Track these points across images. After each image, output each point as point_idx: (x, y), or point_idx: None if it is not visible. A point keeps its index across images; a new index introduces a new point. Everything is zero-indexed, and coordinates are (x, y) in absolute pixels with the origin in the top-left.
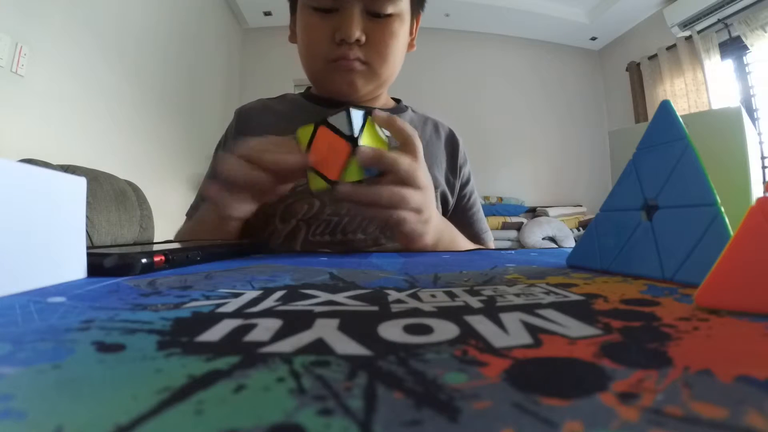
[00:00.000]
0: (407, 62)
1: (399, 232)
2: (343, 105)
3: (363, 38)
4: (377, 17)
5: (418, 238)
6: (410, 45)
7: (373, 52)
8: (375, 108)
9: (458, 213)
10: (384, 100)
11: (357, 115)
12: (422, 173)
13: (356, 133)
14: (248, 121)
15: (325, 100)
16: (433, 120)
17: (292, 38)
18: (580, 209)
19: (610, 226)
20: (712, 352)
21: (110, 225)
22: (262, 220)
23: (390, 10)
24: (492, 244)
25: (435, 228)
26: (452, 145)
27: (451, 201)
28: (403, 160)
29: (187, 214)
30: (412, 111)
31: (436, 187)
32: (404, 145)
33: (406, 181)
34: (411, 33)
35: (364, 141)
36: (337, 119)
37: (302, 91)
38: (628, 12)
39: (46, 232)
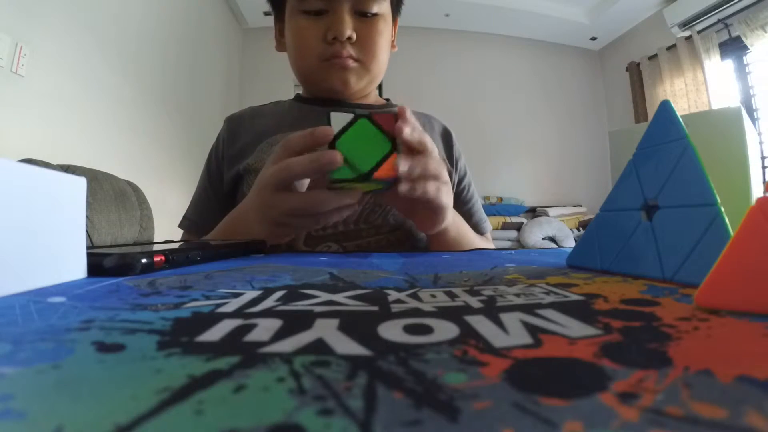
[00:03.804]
0: (408, 62)
1: (428, 208)
2: (335, 102)
3: (354, 36)
4: (364, 17)
5: (444, 215)
6: (392, 46)
7: (364, 49)
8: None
9: (459, 205)
10: (374, 98)
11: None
12: (431, 143)
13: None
14: (240, 125)
15: (316, 101)
16: (424, 114)
17: (279, 47)
18: (580, 209)
19: (610, 226)
20: (712, 352)
21: (110, 225)
22: None
23: (375, 9)
24: (489, 234)
25: (451, 212)
26: (446, 137)
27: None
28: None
29: (180, 225)
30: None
31: None
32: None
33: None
34: (392, 35)
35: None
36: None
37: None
38: (628, 12)
39: (46, 232)
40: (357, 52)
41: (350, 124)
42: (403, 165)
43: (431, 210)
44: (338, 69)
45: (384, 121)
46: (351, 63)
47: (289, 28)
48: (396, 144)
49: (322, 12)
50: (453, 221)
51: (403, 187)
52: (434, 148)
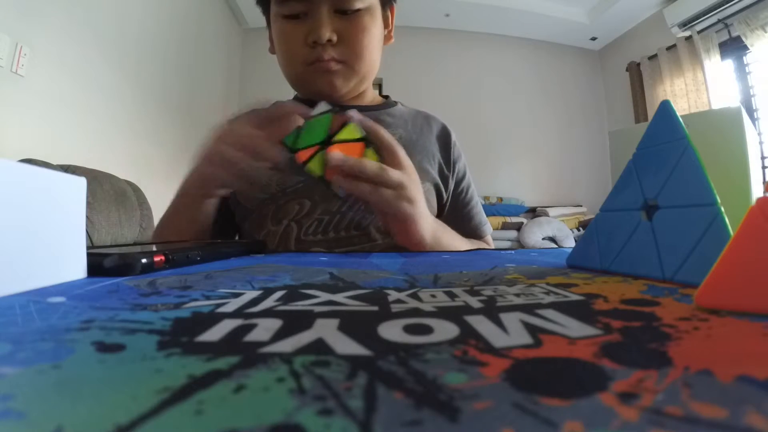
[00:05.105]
0: (408, 62)
1: (391, 219)
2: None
3: (334, 38)
4: (346, 14)
5: (412, 227)
6: (387, 38)
7: (347, 49)
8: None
9: (458, 208)
10: (371, 96)
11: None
12: (402, 153)
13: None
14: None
15: (312, 102)
16: (424, 113)
17: (272, 49)
18: (580, 209)
19: (610, 226)
20: (712, 352)
21: (110, 225)
22: (255, 222)
23: (358, 5)
24: (490, 237)
25: (430, 225)
26: (444, 138)
27: (446, 195)
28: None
29: None
30: (402, 105)
31: (428, 180)
32: (379, 140)
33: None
34: (387, 25)
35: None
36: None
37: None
38: (628, 12)
39: (46, 232)
40: (340, 54)
41: (322, 113)
42: (336, 155)
43: (398, 221)
44: (323, 73)
45: (336, 120)
46: (334, 66)
47: (273, 33)
48: (330, 141)
49: (302, 15)
50: (435, 238)
51: (334, 178)
52: (405, 159)
